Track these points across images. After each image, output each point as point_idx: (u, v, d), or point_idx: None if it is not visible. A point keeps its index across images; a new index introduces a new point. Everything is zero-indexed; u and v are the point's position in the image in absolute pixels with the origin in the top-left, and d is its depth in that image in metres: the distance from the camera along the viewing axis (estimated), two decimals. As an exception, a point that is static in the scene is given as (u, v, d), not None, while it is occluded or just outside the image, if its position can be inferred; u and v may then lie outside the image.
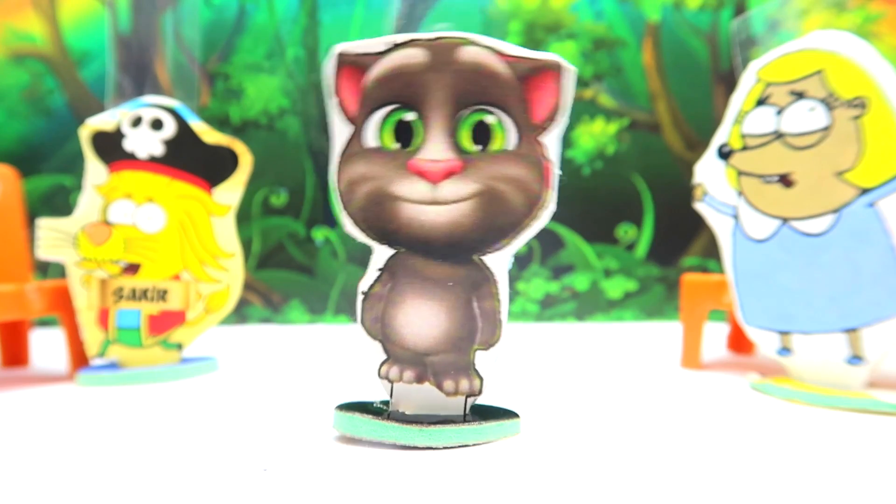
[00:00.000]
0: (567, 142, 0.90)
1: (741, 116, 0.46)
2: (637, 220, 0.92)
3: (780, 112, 0.44)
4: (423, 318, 0.32)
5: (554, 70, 0.30)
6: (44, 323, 0.77)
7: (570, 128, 0.91)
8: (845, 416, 0.38)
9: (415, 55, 0.30)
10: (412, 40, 0.30)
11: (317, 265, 0.92)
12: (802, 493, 0.25)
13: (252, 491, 0.25)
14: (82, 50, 0.90)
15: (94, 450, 0.31)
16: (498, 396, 0.36)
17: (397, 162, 0.31)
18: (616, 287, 0.92)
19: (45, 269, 0.89)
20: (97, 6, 0.89)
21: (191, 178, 0.51)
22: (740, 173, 0.46)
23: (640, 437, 0.33)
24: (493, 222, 0.31)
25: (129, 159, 0.50)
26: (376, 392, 0.34)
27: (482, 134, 0.30)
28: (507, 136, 0.30)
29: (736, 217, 0.47)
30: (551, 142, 0.30)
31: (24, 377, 0.52)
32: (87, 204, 0.49)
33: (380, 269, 0.32)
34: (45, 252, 0.48)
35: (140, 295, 0.50)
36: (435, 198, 0.30)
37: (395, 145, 0.31)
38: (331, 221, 0.92)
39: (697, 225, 0.80)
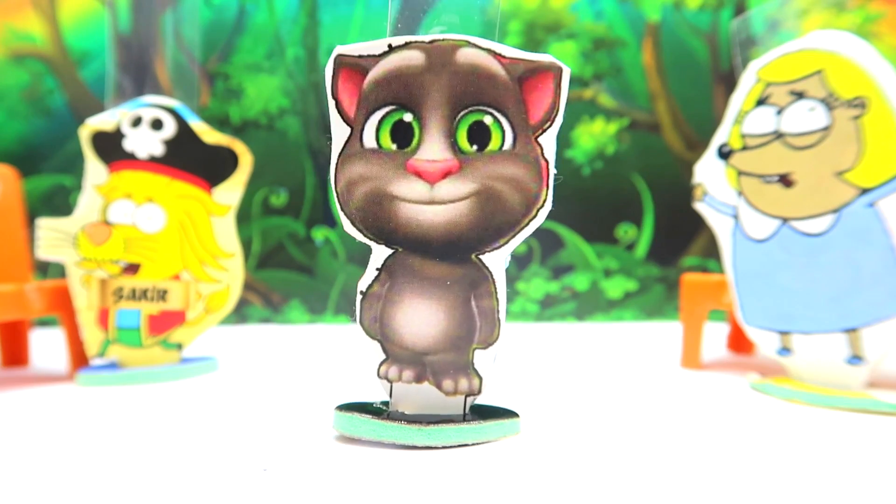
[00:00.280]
0: (567, 142, 0.90)
1: (741, 116, 0.46)
2: (637, 220, 0.92)
3: (780, 112, 0.43)
4: (421, 318, 0.32)
5: (550, 71, 0.30)
6: (44, 323, 0.77)
7: (571, 128, 0.90)
8: (845, 416, 0.38)
9: (413, 57, 0.30)
10: (410, 42, 0.30)
11: (317, 265, 0.92)
12: (802, 493, 0.25)
13: (252, 491, 0.25)
14: (82, 50, 0.90)
15: (95, 450, 0.31)
16: (497, 396, 0.36)
17: (395, 162, 0.31)
18: (616, 287, 0.92)
19: (45, 269, 0.89)
20: (97, 6, 0.89)
21: (191, 178, 0.51)
22: (740, 173, 0.46)
23: (639, 437, 0.33)
24: (491, 222, 0.31)
25: (129, 159, 0.50)
26: (376, 392, 0.34)
27: (479, 134, 0.30)
28: (504, 136, 0.30)
29: (736, 217, 0.47)
30: (548, 142, 0.30)
31: (24, 377, 0.52)
32: (87, 204, 0.49)
33: (378, 269, 0.32)
34: (45, 252, 0.48)
35: (140, 295, 0.50)
36: (433, 198, 0.31)
37: (394, 146, 0.31)
38: (331, 221, 0.92)
39: (697, 225, 0.80)
